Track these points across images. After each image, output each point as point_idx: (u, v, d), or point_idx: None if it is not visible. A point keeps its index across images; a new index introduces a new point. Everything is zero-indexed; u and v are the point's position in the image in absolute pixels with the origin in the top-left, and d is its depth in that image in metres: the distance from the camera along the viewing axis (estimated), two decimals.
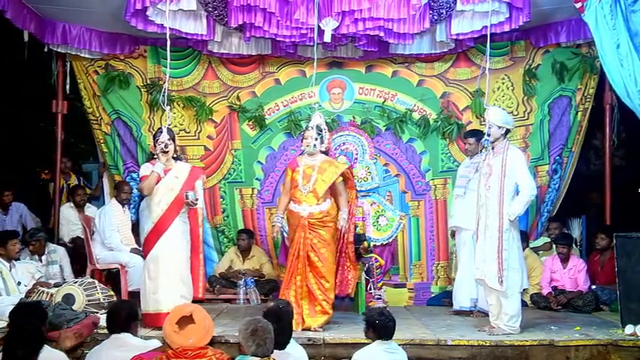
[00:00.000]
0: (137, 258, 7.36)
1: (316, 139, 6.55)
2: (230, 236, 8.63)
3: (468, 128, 8.17)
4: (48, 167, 10.15)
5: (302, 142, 6.73)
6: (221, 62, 8.54)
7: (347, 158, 8.24)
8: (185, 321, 3.87)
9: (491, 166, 6.27)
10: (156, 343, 4.84)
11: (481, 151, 7.28)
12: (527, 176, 6.26)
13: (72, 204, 8.53)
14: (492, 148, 6.31)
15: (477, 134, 7.41)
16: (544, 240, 8.39)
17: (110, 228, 7.55)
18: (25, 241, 7.39)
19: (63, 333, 5.45)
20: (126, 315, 4.75)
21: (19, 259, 6.91)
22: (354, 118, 8.49)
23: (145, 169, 6.41)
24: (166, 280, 6.22)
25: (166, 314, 6.04)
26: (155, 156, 6.43)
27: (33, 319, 4.61)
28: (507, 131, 6.34)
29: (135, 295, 7.28)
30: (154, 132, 8.38)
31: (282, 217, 6.70)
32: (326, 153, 6.74)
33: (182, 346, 3.82)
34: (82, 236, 8.15)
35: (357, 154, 8.40)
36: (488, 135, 6.28)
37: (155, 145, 6.39)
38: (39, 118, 10.47)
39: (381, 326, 4.95)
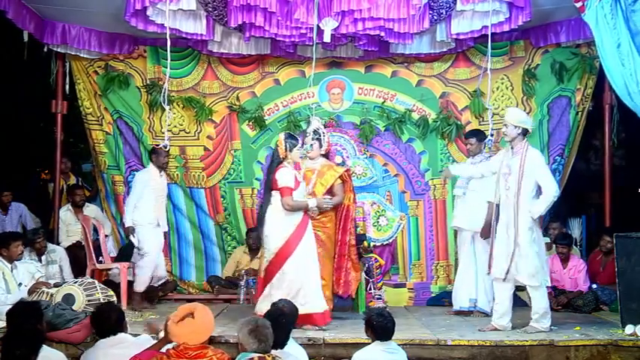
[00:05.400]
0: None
1: (311, 145, 6.78)
2: (233, 234, 8.64)
3: (468, 128, 8.17)
4: (48, 167, 10.15)
5: (302, 146, 6.85)
6: (220, 62, 8.54)
7: (341, 157, 8.28)
8: (187, 316, 3.89)
9: (510, 166, 6.32)
10: (147, 338, 4.84)
11: (482, 150, 7.35)
12: (549, 177, 6.35)
13: (70, 206, 8.52)
14: (512, 148, 6.35)
15: (478, 134, 7.44)
16: (545, 240, 8.38)
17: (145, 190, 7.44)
18: (29, 240, 7.38)
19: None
20: (116, 316, 4.75)
21: (19, 260, 6.90)
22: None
23: (289, 176, 6.34)
24: (310, 281, 6.34)
25: (314, 315, 6.22)
26: (287, 161, 6.42)
27: (29, 318, 4.61)
28: (526, 132, 6.35)
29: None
30: (153, 132, 8.44)
31: None
32: (326, 155, 6.94)
33: (178, 337, 3.84)
34: (80, 239, 8.15)
35: (346, 153, 8.41)
36: (491, 135, 6.31)
37: (290, 150, 6.40)
38: (39, 118, 10.47)
39: (379, 327, 4.95)
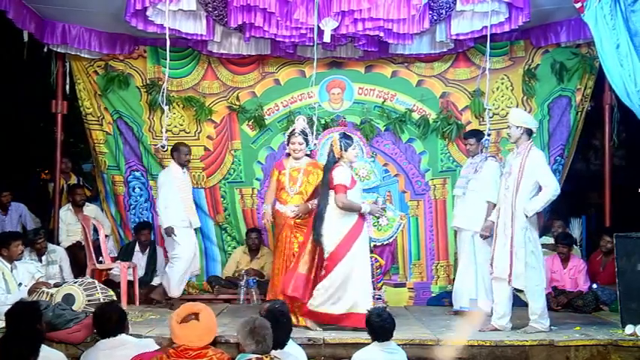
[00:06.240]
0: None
1: (301, 144, 6.82)
2: (233, 234, 8.64)
3: (468, 128, 8.16)
4: (48, 167, 10.15)
5: (288, 146, 6.94)
6: (221, 62, 8.54)
7: None
8: (191, 317, 3.87)
9: (511, 166, 6.34)
10: (150, 343, 4.83)
11: (481, 151, 7.36)
12: (550, 175, 6.34)
13: (70, 206, 8.52)
14: (517, 148, 6.36)
15: (477, 134, 7.46)
16: (547, 240, 8.37)
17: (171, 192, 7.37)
18: (30, 240, 7.38)
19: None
20: (117, 317, 4.73)
21: (19, 260, 6.90)
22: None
23: (345, 174, 6.38)
24: (361, 282, 6.36)
25: (361, 315, 6.11)
26: (343, 160, 6.46)
27: (28, 318, 4.60)
28: (530, 132, 6.36)
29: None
30: (153, 132, 8.45)
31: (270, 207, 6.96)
32: (309, 155, 7.02)
33: (181, 339, 3.82)
34: (80, 239, 8.15)
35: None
36: (489, 135, 6.31)
37: (345, 149, 6.43)
38: (39, 118, 10.47)
39: (377, 327, 4.96)
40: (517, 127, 6.32)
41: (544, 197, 6.21)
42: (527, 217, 6.19)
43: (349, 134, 6.80)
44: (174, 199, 7.36)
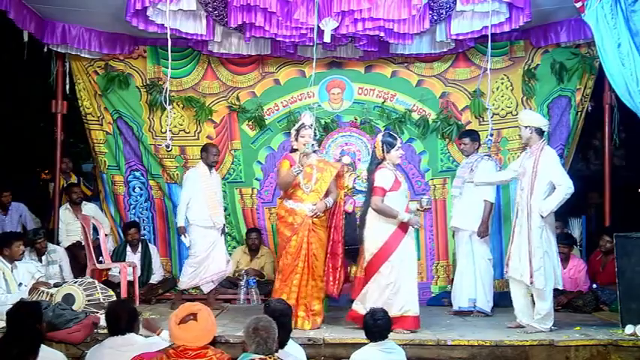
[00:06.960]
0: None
1: (311, 137, 6.70)
2: (233, 234, 8.64)
3: (467, 128, 8.16)
4: (48, 167, 10.15)
5: (296, 140, 6.75)
6: (220, 62, 8.54)
7: (351, 159, 8.25)
8: (190, 318, 3.87)
9: (525, 167, 6.35)
10: (156, 341, 4.82)
11: (477, 150, 7.38)
12: (562, 174, 6.34)
13: (69, 205, 8.51)
14: (530, 148, 6.40)
15: (471, 134, 7.50)
16: None
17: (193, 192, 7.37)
18: (30, 240, 7.38)
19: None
20: (127, 316, 4.71)
21: (20, 260, 6.90)
22: (355, 119, 8.48)
23: (386, 177, 6.35)
24: (407, 284, 6.33)
25: (410, 318, 6.21)
26: (386, 162, 6.42)
27: (28, 318, 4.61)
28: (540, 131, 6.36)
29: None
30: (153, 132, 8.45)
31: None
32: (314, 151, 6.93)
33: (180, 339, 3.82)
34: (80, 239, 8.15)
35: (360, 155, 8.39)
36: (491, 135, 6.30)
37: (387, 151, 6.40)
38: (39, 118, 10.47)
39: (371, 327, 4.97)
40: (525, 127, 6.36)
41: (558, 196, 6.21)
42: (542, 217, 6.20)
43: (393, 134, 6.70)
44: (197, 198, 7.38)
